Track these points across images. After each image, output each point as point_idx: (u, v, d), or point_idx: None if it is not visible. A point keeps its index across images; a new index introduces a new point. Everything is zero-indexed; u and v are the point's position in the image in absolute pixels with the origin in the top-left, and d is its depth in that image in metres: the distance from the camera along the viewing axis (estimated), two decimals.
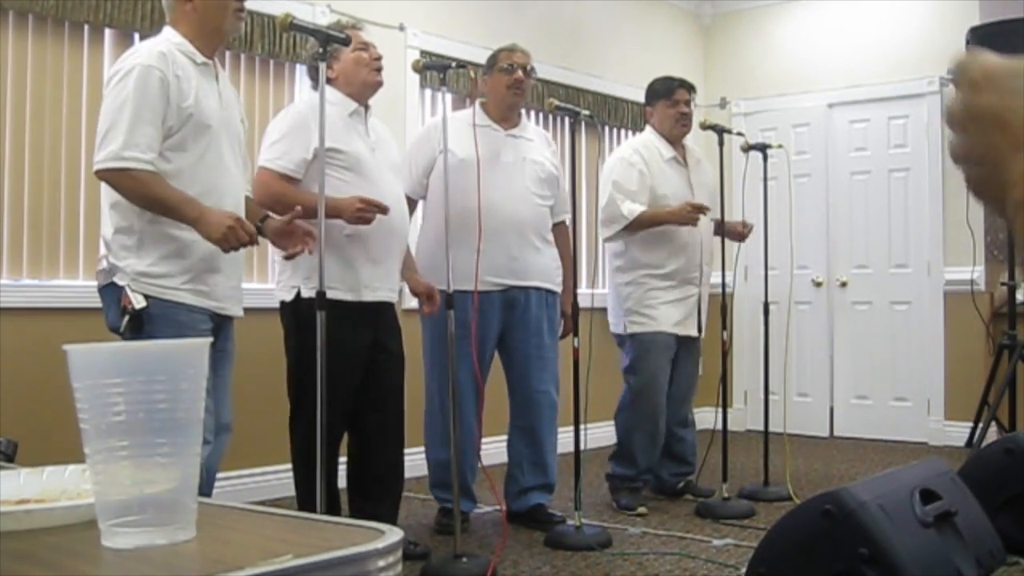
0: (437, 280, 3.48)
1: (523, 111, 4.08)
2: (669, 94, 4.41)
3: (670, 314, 4.29)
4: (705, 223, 4.39)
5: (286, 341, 3.32)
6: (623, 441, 4.33)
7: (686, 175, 4.39)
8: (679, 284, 4.30)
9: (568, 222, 4.05)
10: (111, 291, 2.71)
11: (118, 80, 2.65)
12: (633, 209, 4.17)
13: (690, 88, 4.49)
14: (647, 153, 4.34)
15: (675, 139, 4.42)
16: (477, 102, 3.94)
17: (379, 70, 3.36)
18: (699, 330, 4.41)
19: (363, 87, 3.35)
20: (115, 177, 2.63)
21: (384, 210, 3.15)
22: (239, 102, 3.03)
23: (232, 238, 2.60)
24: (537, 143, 3.97)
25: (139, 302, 2.63)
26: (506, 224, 3.74)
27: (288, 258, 2.97)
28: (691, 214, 4.16)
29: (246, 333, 3.97)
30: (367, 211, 3.12)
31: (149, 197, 2.63)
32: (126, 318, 2.64)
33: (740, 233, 4.53)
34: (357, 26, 3.44)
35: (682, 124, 4.41)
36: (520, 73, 3.84)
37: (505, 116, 3.87)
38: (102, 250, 2.78)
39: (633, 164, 4.28)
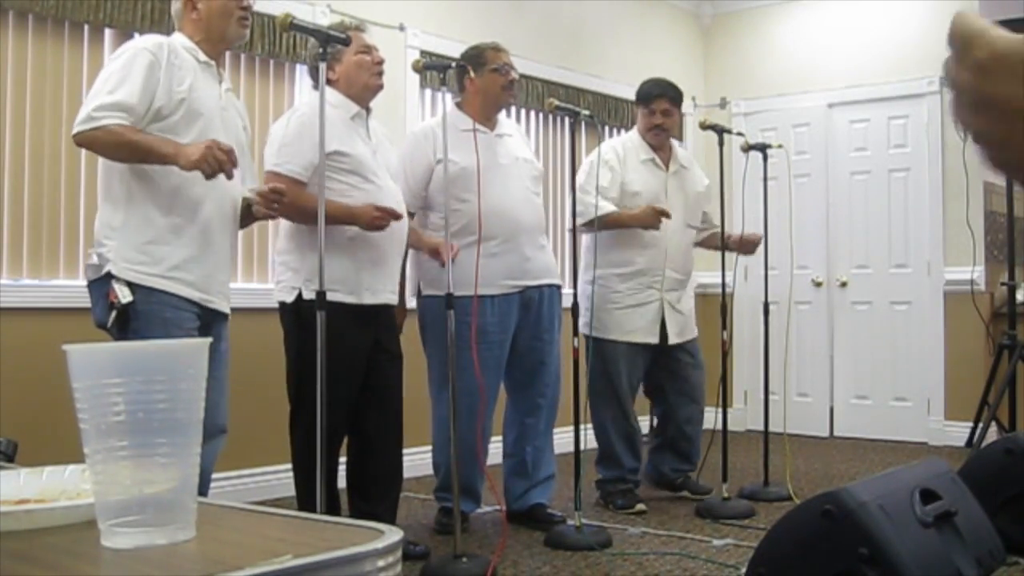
0: (443, 285, 3.48)
1: None
2: (647, 102, 4.38)
3: (622, 321, 4.26)
4: (677, 229, 4.34)
5: (286, 342, 3.32)
6: (603, 444, 4.32)
7: (663, 179, 4.37)
8: (640, 288, 4.27)
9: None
10: (99, 286, 2.72)
11: (110, 61, 2.74)
12: (602, 206, 4.14)
13: (674, 97, 4.41)
14: (623, 151, 4.35)
15: (652, 146, 4.40)
16: (452, 104, 3.87)
17: (380, 74, 3.37)
18: (663, 339, 4.31)
19: (364, 90, 3.36)
20: (88, 137, 2.65)
21: (398, 216, 3.21)
22: (243, 111, 3.05)
23: (211, 158, 2.57)
24: (517, 138, 3.99)
25: (125, 296, 2.64)
26: (517, 226, 3.76)
27: (268, 208, 2.90)
28: (653, 217, 4.15)
29: (245, 333, 3.98)
30: (383, 219, 3.16)
31: (123, 144, 2.64)
32: (113, 313, 2.65)
33: (751, 242, 4.48)
34: (360, 28, 3.44)
35: (654, 134, 4.38)
36: (513, 74, 3.84)
37: (489, 117, 3.85)
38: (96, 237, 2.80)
39: (606, 161, 4.29)
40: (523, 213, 3.79)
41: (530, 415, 3.93)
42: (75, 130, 2.66)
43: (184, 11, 2.85)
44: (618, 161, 4.31)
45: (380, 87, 3.39)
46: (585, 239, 4.31)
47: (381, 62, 3.38)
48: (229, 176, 2.65)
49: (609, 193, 4.23)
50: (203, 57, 2.81)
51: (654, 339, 4.31)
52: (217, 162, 2.58)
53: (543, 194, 4.10)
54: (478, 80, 3.80)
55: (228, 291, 2.92)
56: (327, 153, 3.09)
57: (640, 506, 4.16)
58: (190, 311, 2.75)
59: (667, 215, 4.18)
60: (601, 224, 4.15)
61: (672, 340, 4.34)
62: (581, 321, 4.24)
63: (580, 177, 4.26)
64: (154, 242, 2.70)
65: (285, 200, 2.86)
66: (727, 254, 4.40)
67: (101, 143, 2.67)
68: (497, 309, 3.72)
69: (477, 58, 3.83)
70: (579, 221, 4.15)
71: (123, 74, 2.66)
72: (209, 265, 2.80)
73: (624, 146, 4.39)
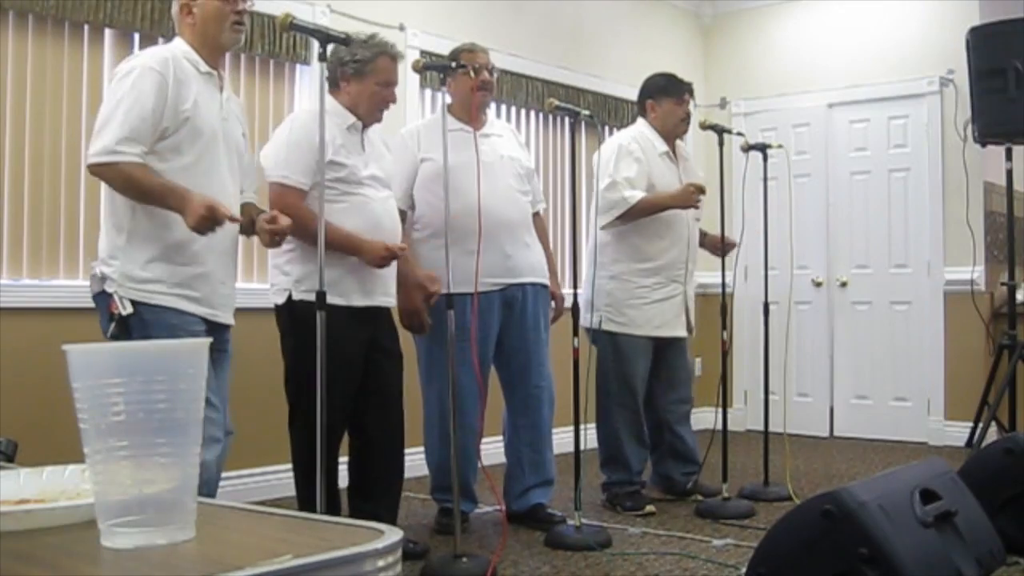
0: None
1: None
2: (679, 93, 4.39)
3: (651, 316, 4.26)
4: (691, 222, 4.36)
5: (282, 343, 3.34)
6: (612, 447, 4.30)
7: (676, 171, 4.38)
8: (665, 282, 4.27)
9: (543, 212, 4.12)
10: (102, 299, 2.74)
11: (118, 80, 2.71)
12: (635, 195, 4.14)
13: (692, 90, 4.49)
14: (644, 144, 4.33)
15: (673, 137, 4.41)
16: (444, 106, 3.86)
17: (385, 109, 3.40)
18: (688, 330, 4.38)
19: (367, 116, 3.38)
20: (104, 171, 2.67)
21: (397, 253, 3.27)
22: (242, 115, 3.05)
23: (203, 226, 2.62)
24: (507, 138, 3.99)
25: (126, 308, 2.66)
26: (498, 224, 3.75)
27: (272, 244, 2.92)
28: (694, 195, 4.15)
29: (245, 333, 3.97)
30: (388, 259, 3.25)
31: (136, 188, 2.67)
32: (113, 324, 2.67)
33: (721, 249, 4.41)
34: (397, 56, 3.41)
35: (686, 124, 4.40)
36: (486, 74, 3.84)
37: (472, 116, 3.85)
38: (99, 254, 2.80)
39: (631, 152, 4.26)
40: (504, 211, 3.78)
41: (523, 416, 3.93)
42: (93, 160, 2.65)
43: (181, 15, 2.85)
44: (642, 152, 4.28)
45: (379, 120, 3.43)
46: (601, 236, 4.28)
47: (393, 101, 3.40)
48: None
49: (638, 184, 4.20)
50: (204, 68, 2.81)
51: (682, 331, 4.34)
52: (212, 226, 2.63)
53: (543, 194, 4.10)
54: (452, 82, 3.81)
55: (233, 303, 2.93)
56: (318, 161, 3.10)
57: (650, 507, 4.15)
58: (195, 316, 2.76)
59: (703, 191, 4.18)
60: (635, 212, 4.14)
61: (685, 332, 4.39)
62: (595, 317, 4.16)
63: (607, 168, 4.22)
64: (157, 260, 2.71)
65: (287, 230, 2.85)
66: (728, 253, 4.40)
67: (116, 181, 2.68)
68: (477, 307, 3.71)
69: (454, 60, 3.83)
70: (611, 216, 4.15)
71: (133, 99, 2.65)
72: (213, 281, 2.81)
73: (642, 139, 4.36)
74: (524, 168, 3.96)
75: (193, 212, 2.61)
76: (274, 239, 2.85)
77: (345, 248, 3.19)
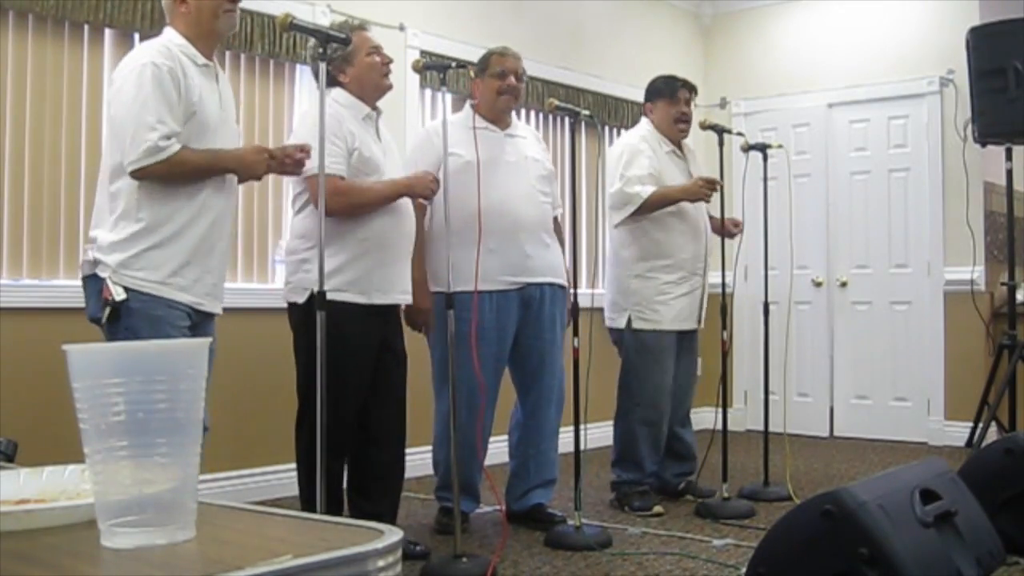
0: (442, 281, 3.49)
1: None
2: (672, 93, 4.41)
3: (677, 311, 4.28)
4: (705, 215, 4.40)
5: (296, 342, 3.30)
6: (627, 446, 4.30)
7: (685, 167, 4.41)
8: (688, 275, 4.29)
9: (560, 217, 4.12)
10: (93, 282, 2.76)
11: (135, 78, 2.69)
12: (646, 189, 4.17)
13: (692, 89, 4.48)
14: (652, 142, 4.35)
15: (673, 138, 4.42)
16: (468, 104, 3.93)
17: (389, 74, 3.40)
18: (699, 322, 4.41)
19: (375, 91, 3.39)
20: (157, 169, 2.68)
21: (437, 185, 3.38)
22: (234, 103, 3.06)
23: (275, 167, 2.86)
24: (531, 140, 4.01)
25: (119, 294, 2.68)
26: (518, 223, 3.76)
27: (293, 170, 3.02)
28: (704, 188, 4.17)
29: (246, 333, 3.97)
30: (437, 186, 3.34)
31: (190, 171, 2.73)
32: (107, 309, 2.69)
33: (729, 231, 4.48)
34: (364, 28, 3.48)
35: (682, 123, 4.40)
36: (513, 79, 3.85)
37: (497, 117, 3.88)
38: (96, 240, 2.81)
39: (641, 150, 4.29)
40: (524, 211, 3.80)
41: (532, 416, 3.93)
42: (146, 162, 2.66)
43: (174, 6, 2.84)
44: (651, 149, 4.31)
45: (390, 87, 3.42)
46: (620, 236, 4.31)
47: (390, 62, 3.40)
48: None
49: (648, 180, 4.22)
50: (201, 60, 2.82)
51: (694, 324, 4.38)
52: (280, 165, 2.86)
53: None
54: (481, 83, 3.87)
55: (222, 293, 2.94)
56: (349, 151, 3.19)
57: (658, 508, 4.14)
58: (181, 310, 2.77)
59: (717, 184, 4.20)
60: (647, 207, 4.17)
61: (701, 323, 4.42)
62: (622, 317, 4.27)
63: (617, 168, 4.25)
64: (153, 248, 2.72)
65: (307, 160, 2.96)
66: (727, 252, 4.40)
67: (170, 175, 2.71)
68: (495, 306, 3.72)
69: (483, 61, 3.91)
70: (624, 213, 4.18)
71: (158, 95, 2.67)
72: (205, 270, 2.82)
73: (650, 137, 4.38)
74: (547, 170, 3.97)
75: (254, 163, 2.81)
76: (296, 167, 2.97)
77: (392, 196, 3.26)
